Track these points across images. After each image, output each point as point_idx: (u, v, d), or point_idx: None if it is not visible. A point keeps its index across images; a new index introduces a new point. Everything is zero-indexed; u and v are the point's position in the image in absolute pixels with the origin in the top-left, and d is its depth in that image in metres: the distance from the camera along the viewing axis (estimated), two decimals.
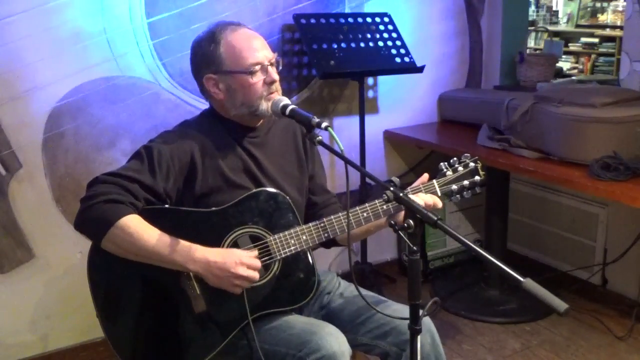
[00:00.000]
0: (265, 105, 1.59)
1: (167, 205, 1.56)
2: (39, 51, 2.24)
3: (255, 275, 1.51)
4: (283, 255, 1.57)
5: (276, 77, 1.61)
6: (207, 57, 1.59)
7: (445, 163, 1.68)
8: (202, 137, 1.61)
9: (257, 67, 1.57)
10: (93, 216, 1.44)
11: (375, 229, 1.70)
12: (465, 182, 1.68)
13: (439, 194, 1.65)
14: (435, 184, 1.66)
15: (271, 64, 1.60)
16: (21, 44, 2.20)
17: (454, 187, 1.67)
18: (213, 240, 1.53)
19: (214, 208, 1.56)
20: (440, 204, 1.61)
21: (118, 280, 1.56)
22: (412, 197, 1.53)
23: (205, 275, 1.48)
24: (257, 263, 1.52)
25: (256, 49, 1.58)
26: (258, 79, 1.58)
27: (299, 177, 1.75)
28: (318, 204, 1.80)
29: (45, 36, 2.24)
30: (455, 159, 1.68)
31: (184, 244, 1.47)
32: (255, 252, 1.54)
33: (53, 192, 2.38)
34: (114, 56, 2.38)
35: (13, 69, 2.21)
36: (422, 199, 1.57)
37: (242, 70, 1.57)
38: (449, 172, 1.67)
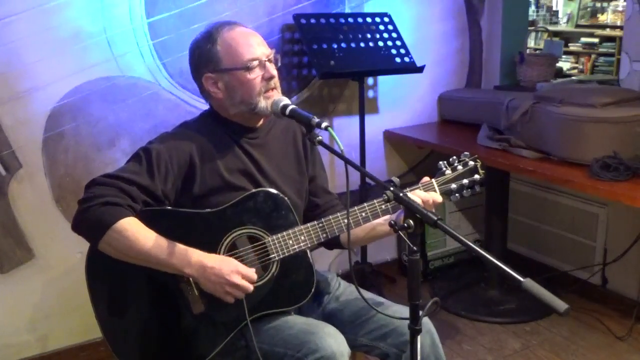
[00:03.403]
0: (264, 103, 1.58)
1: (165, 207, 1.55)
2: (39, 51, 2.24)
3: (249, 287, 1.49)
4: (282, 256, 1.57)
5: (274, 72, 1.60)
6: (205, 57, 1.59)
7: (445, 162, 1.68)
8: (201, 138, 1.60)
9: (255, 63, 1.57)
10: (90, 218, 1.44)
11: (380, 236, 1.69)
12: (465, 181, 1.67)
13: (438, 193, 1.65)
14: (435, 183, 1.65)
15: (269, 61, 1.60)
16: (21, 44, 2.20)
17: (453, 186, 1.66)
18: (211, 241, 1.53)
19: (212, 209, 1.56)
20: (439, 199, 1.61)
21: (116, 282, 1.56)
22: (409, 195, 1.53)
23: (199, 279, 1.48)
24: (253, 275, 1.51)
25: (253, 45, 1.58)
26: (256, 75, 1.57)
27: (298, 179, 1.74)
28: (320, 206, 1.80)
29: (45, 36, 2.24)
30: (454, 157, 1.68)
31: (180, 247, 1.47)
32: (254, 270, 1.52)
33: (53, 192, 2.38)
34: (114, 56, 2.38)
35: (13, 69, 2.21)
36: (418, 195, 1.57)
37: (239, 67, 1.56)
38: (448, 171, 1.67)
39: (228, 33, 1.58)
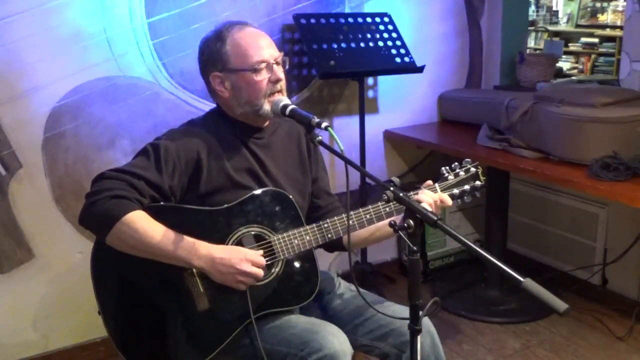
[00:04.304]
0: (267, 106, 1.59)
1: (171, 203, 1.56)
2: (39, 51, 2.24)
3: (260, 272, 1.51)
4: (287, 256, 1.58)
5: (281, 75, 1.61)
6: (214, 55, 1.60)
7: (447, 167, 1.69)
8: (208, 136, 1.61)
9: (263, 65, 1.57)
10: (98, 211, 1.44)
11: (383, 237, 1.70)
12: (466, 187, 1.69)
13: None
14: (438, 188, 1.66)
15: (277, 63, 1.61)
16: (21, 44, 2.20)
17: (456, 191, 1.67)
18: (217, 238, 1.53)
19: (218, 207, 1.56)
20: (449, 201, 1.61)
21: (121, 277, 1.56)
22: (419, 195, 1.55)
23: (209, 271, 1.48)
24: (262, 260, 1.52)
25: (262, 47, 1.58)
26: (263, 77, 1.58)
27: (301, 180, 1.75)
28: (322, 207, 1.80)
29: (45, 36, 2.24)
30: (456, 163, 1.70)
31: (188, 240, 1.47)
32: (261, 251, 1.55)
33: (53, 192, 2.38)
34: (114, 56, 2.38)
35: (13, 69, 2.21)
36: (428, 195, 1.57)
37: (247, 68, 1.57)
38: (451, 177, 1.68)
39: (238, 33, 1.59)
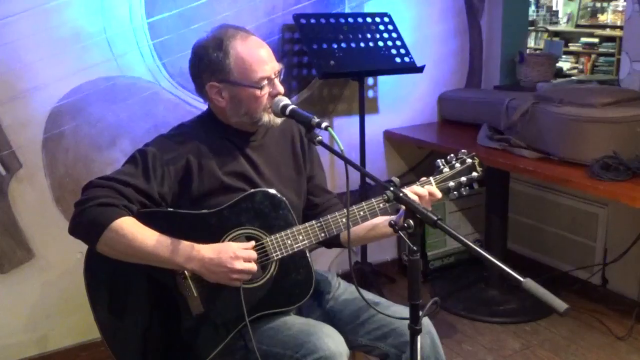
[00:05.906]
0: (267, 118, 1.59)
1: (162, 208, 1.55)
2: (39, 51, 2.24)
3: (253, 266, 1.50)
4: (280, 256, 1.57)
5: (281, 89, 1.60)
6: (213, 65, 1.56)
7: (442, 160, 1.66)
8: (198, 140, 1.60)
9: (266, 82, 1.56)
10: (86, 220, 1.44)
11: (380, 236, 1.69)
12: (463, 179, 1.65)
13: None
14: (432, 182, 1.64)
15: (275, 76, 1.60)
16: (21, 44, 2.20)
17: (451, 183, 1.64)
18: (210, 241, 1.52)
19: (209, 210, 1.56)
20: (439, 194, 1.59)
21: (115, 284, 1.56)
22: (405, 190, 1.52)
23: (201, 272, 1.48)
24: (253, 254, 1.51)
25: (265, 62, 1.56)
26: (265, 92, 1.57)
27: (296, 180, 1.74)
28: (319, 205, 1.79)
29: (45, 36, 2.24)
30: (452, 155, 1.66)
31: (178, 242, 1.47)
32: (252, 243, 1.53)
33: (53, 192, 2.38)
34: (114, 56, 2.38)
35: (13, 69, 2.21)
36: (415, 191, 1.55)
37: (251, 84, 1.55)
38: (446, 169, 1.65)
39: (241, 46, 1.56)
